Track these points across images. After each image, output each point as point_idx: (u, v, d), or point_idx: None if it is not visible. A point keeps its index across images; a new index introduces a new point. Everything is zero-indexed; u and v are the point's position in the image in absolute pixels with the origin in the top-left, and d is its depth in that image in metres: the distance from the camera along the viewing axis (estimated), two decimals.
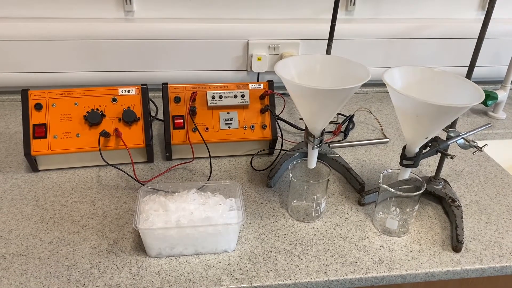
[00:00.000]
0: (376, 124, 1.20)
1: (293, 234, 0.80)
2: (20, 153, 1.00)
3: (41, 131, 0.90)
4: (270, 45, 1.23)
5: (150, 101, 1.19)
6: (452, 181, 0.97)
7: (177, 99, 0.96)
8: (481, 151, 0.84)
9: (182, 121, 0.95)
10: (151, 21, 1.19)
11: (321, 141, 0.79)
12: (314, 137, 0.78)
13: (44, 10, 1.18)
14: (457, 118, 0.79)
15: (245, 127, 0.98)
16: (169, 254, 0.74)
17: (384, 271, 0.73)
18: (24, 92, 0.90)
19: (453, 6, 1.34)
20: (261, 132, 0.99)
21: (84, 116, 0.91)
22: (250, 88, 0.99)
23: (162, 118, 1.03)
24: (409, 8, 1.32)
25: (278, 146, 1.03)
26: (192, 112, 0.95)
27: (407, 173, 0.79)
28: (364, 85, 1.34)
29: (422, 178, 0.80)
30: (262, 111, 0.99)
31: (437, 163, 0.88)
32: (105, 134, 0.90)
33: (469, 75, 0.78)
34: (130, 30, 1.17)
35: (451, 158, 0.81)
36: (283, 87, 1.26)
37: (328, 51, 0.98)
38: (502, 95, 1.23)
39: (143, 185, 0.89)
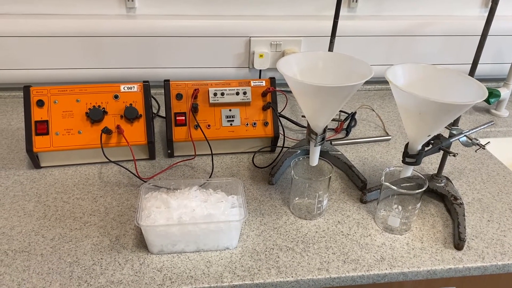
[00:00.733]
0: (378, 122, 1.20)
1: (295, 232, 0.80)
2: (22, 150, 1.00)
3: (43, 127, 0.90)
4: (272, 42, 1.23)
5: (152, 98, 1.19)
6: (454, 178, 0.97)
7: (179, 96, 0.96)
8: (484, 149, 0.84)
9: (184, 118, 0.95)
10: (153, 17, 1.19)
11: (323, 139, 0.79)
12: (316, 134, 0.78)
13: (46, 7, 1.18)
14: (460, 116, 0.79)
15: (247, 124, 0.98)
16: (171, 251, 0.74)
17: (386, 269, 0.73)
18: (26, 89, 0.90)
19: (455, 3, 1.33)
20: (263, 129, 0.99)
21: (86, 113, 0.91)
22: (252, 85, 0.99)
23: (164, 115, 1.03)
24: (412, 5, 1.31)
25: (280, 143, 1.03)
26: (194, 109, 0.95)
27: (409, 171, 0.79)
28: (366, 82, 1.34)
29: (424, 176, 0.80)
30: (264, 108, 0.99)
31: (439, 161, 0.88)
32: (107, 131, 0.90)
33: (472, 72, 0.78)
34: (132, 27, 1.16)
35: (454, 156, 0.81)
36: (285, 84, 1.26)
37: (330, 48, 0.98)
38: (504, 92, 1.22)
39: (145, 182, 0.89)
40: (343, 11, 1.30)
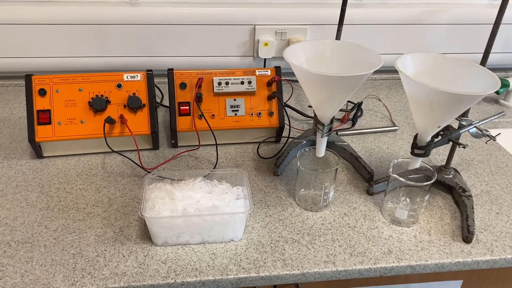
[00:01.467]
0: (385, 112, 1.18)
1: (300, 224, 0.79)
2: (25, 139, 0.99)
3: (45, 117, 0.89)
4: (277, 30, 1.21)
5: (156, 88, 1.18)
6: (462, 170, 0.95)
7: (183, 85, 0.94)
8: (495, 140, 0.82)
9: (188, 107, 0.94)
10: (156, 5, 1.17)
11: (330, 129, 0.77)
12: (323, 125, 0.76)
13: None
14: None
15: (252, 114, 0.96)
16: (176, 242, 0.73)
17: (393, 262, 0.72)
18: (28, 78, 0.89)
19: None
20: (268, 119, 0.97)
21: (89, 102, 0.90)
22: (257, 74, 0.97)
23: (168, 105, 1.01)
24: None
25: (285, 133, 1.01)
26: (198, 98, 0.93)
27: (418, 162, 0.78)
28: (373, 72, 1.31)
29: (433, 168, 0.78)
30: (269, 98, 0.97)
31: (447, 152, 0.87)
32: (110, 121, 0.89)
33: (484, 61, 0.76)
34: (135, 14, 1.14)
35: (464, 147, 0.79)
36: (291, 74, 1.24)
37: (338, 36, 0.96)
38: None
39: (149, 172, 0.88)
40: None
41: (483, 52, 0.77)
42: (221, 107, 0.96)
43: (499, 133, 0.87)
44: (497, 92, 1.18)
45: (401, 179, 0.75)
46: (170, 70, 0.94)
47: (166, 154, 0.96)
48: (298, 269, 0.70)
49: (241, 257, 0.71)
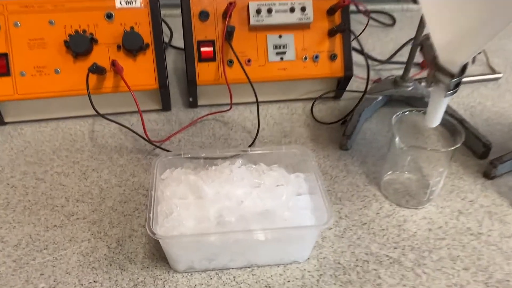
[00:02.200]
0: (479, 55, 0.89)
1: (395, 230, 0.52)
2: None
3: (1, 65, 0.64)
4: None
5: (162, 22, 0.89)
6: None
7: (204, 15, 0.69)
8: None
9: (212, 49, 0.70)
10: None
11: (458, 84, 0.48)
12: (451, 75, 0.46)
13: None
14: None
15: (305, 58, 0.72)
16: (207, 267, 0.47)
17: None
18: None
19: None
20: (329, 66, 0.72)
21: (65, 42, 0.67)
22: None
23: (182, 46, 0.77)
24: None
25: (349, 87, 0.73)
26: (228, 34, 0.68)
27: None
28: None
29: None
30: (331, 34, 0.71)
31: None
32: (97, 69, 0.64)
33: None
34: None
35: None
36: None
37: None
38: None
39: (158, 146, 0.63)
40: None
41: None
42: (261, 48, 0.71)
43: None
44: None
45: None
46: None
47: (181, 119, 0.72)
48: None
49: None
